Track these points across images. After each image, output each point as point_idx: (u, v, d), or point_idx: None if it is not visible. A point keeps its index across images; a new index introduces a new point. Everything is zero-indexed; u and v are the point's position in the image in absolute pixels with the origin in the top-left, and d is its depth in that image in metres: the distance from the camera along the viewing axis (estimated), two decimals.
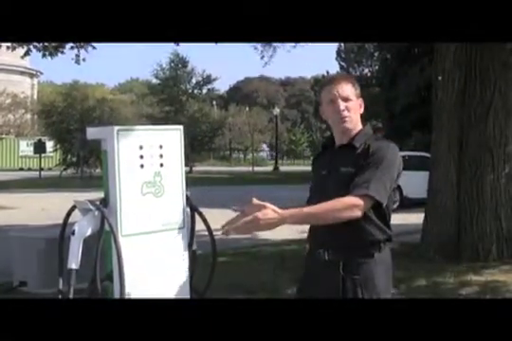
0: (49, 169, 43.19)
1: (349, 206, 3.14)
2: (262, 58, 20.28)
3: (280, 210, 3.04)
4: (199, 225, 4.02)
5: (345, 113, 3.36)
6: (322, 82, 3.71)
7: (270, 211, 3.01)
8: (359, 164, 3.29)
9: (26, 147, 47.69)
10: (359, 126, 3.45)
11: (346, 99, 3.37)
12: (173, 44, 13.09)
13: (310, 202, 3.45)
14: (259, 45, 19.46)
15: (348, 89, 3.40)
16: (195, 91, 54.51)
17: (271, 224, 3.03)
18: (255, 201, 3.04)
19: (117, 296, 3.64)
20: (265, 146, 72.41)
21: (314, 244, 3.47)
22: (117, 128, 3.74)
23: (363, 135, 3.41)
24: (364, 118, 3.54)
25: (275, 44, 19.20)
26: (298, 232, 10.96)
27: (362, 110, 3.47)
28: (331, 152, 3.48)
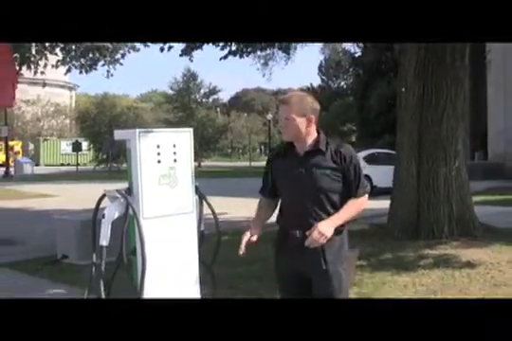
0: (84, 164, 43.13)
1: (364, 204, 3.50)
2: (263, 76, 20.54)
3: (330, 223, 3.30)
4: (206, 210, 4.01)
5: (284, 130, 3.45)
6: None
7: (326, 229, 3.25)
8: (339, 165, 3.40)
9: (65, 146, 47.55)
10: (313, 135, 3.47)
11: (286, 119, 3.41)
12: (186, 60, 13.05)
13: (287, 195, 3.51)
14: (260, 65, 19.65)
15: (286, 109, 3.42)
16: (203, 100, 54.49)
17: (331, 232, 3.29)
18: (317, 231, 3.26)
19: (139, 267, 3.64)
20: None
21: (289, 226, 3.47)
22: (138, 130, 3.73)
23: (323, 141, 3.46)
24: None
25: (272, 64, 19.28)
26: None
27: (312, 123, 3.44)
28: (297, 156, 3.47)
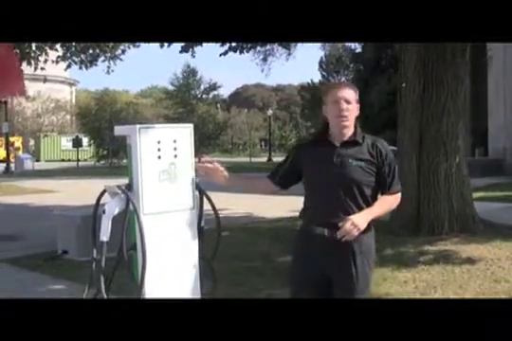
0: (85, 160, 43.12)
1: (397, 201, 3.51)
2: (262, 71, 20.63)
3: (363, 216, 3.26)
4: (206, 206, 4.01)
5: (345, 113, 3.32)
6: (329, 86, 3.70)
7: (359, 220, 3.22)
8: (375, 159, 3.34)
9: (66, 142, 47.58)
10: (352, 125, 3.41)
11: (348, 102, 3.33)
12: (186, 56, 13.07)
13: (316, 186, 3.41)
14: (259, 60, 19.73)
15: (351, 93, 3.36)
16: (203, 96, 54.62)
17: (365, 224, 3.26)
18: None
19: (140, 262, 3.63)
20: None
21: (315, 222, 3.37)
22: (139, 126, 3.73)
23: (360, 133, 3.40)
24: None
25: (271, 59, 19.32)
26: (287, 211, 10.95)
27: (358, 113, 3.42)
28: (332, 147, 3.38)
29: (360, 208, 3.30)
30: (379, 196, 3.43)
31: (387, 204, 3.43)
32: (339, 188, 3.29)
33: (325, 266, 3.33)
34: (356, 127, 3.42)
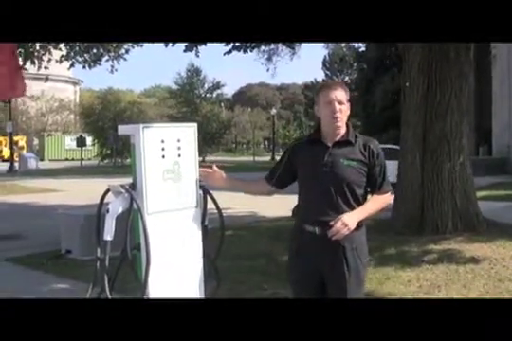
0: (89, 159, 43.23)
1: (388, 201, 3.53)
2: (267, 70, 20.66)
3: (354, 216, 3.28)
4: (210, 205, 4.01)
5: (338, 114, 3.36)
6: (321, 86, 3.70)
7: (350, 220, 3.24)
8: (366, 159, 3.38)
9: (70, 141, 47.76)
10: (344, 125, 3.44)
11: (340, 103, 3.36)
12: (189, 55, 13.10)
13: (309, 185, 3.44)
14: (264, 60, 19.76)
15: (343, 94, 3.39)
16: (207, 95, 54.49)
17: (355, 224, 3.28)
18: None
19: (144, 261, 3.64)
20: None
21: (307, 221, 3.42)
22: (142, 125, 3.72)
23: (352, 133, 3.43)
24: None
25: (276, 58, 19.35)
26: (287, 210, 10.94)
27: (349, 112, 3.45)
28: (324, 147, 3.42)
29: (351, 207, 3.34)
30: (370, 196, 3.48)
31: (378, 203, 3.46)
32: (331, 188, 3.33)
33: (318, 264, 3.37)
34: (348, 126, 3.45)
